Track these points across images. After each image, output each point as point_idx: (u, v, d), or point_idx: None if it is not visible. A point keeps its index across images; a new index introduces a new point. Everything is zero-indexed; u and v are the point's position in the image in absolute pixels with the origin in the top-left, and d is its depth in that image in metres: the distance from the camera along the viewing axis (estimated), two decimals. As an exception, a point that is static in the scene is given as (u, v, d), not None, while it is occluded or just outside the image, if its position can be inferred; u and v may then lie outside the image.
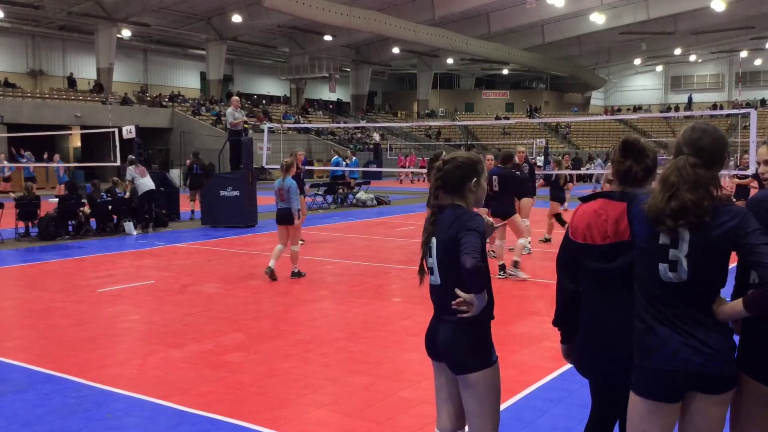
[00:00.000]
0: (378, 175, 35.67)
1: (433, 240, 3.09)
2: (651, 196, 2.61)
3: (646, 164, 2.88)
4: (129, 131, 18.01)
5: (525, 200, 11.80)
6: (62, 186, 20.75)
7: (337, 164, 24.19)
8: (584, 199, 3.05)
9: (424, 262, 3.17)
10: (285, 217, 9.75)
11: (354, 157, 28.92)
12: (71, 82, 41.94)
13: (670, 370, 2.55)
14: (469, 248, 2.85)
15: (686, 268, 2.54)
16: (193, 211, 18.40)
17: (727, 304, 2.58)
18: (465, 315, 2.94)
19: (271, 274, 9.67)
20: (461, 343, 3.02)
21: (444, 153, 3.36)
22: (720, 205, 2.53)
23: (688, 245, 2.54)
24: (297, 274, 9.93)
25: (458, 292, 2.95)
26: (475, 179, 3.08)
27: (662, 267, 2.58)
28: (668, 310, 2.59)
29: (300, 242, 10.69)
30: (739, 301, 2.53)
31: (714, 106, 54.80)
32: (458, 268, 2.90)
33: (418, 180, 38.56)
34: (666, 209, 2.53)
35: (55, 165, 25.24)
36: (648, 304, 2.64)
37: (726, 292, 2.63)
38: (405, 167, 39.17)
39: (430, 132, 54.29)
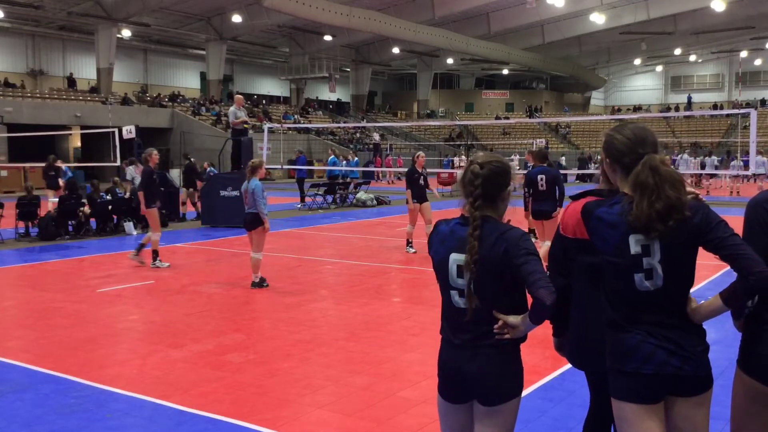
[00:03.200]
0: (373, 175, 35.56)
1: (463, 257, 2.71)
2: (633, 206, 2.53)
3: None
4: (129, 131, 18.04)
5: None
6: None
7: (334, 164, 24.21)
8: (574, 198, 3.07)
9: (451, 282, 2.78)
10: (249, 222, 9.22)
11: (355, 158, 28.95)
12: (71, 82, 41.92)
13: (647, 373, 2.53)
14: (542, 279, 2.56)
15: (661, 274, 2.52)
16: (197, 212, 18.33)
17: (702, 304, 2.57)
18: (505, 337, 2.69)
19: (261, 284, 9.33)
20: (502, 369, 2.72)
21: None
22: None
23: (660, 250, 2.52)
24: (258, 284, 9.23)
25: (499, 315, 2.69)
26: (508, 187, 2.82)
27: (638, 277, 2.55)
28: (642, 316, 2.57)
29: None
30: (716, 299, 2.51)
31: (714, 106, 54.79)
32: (500, 291, 2.68)
33: (399, 179, 38.63)
34: (652, 213, 2.48)
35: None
36: (619, 312, 2.62)
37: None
38: (388, 167, 38.74)
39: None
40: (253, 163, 9.50)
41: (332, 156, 25.12)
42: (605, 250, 2.63)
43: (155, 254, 10.94)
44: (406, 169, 13.07)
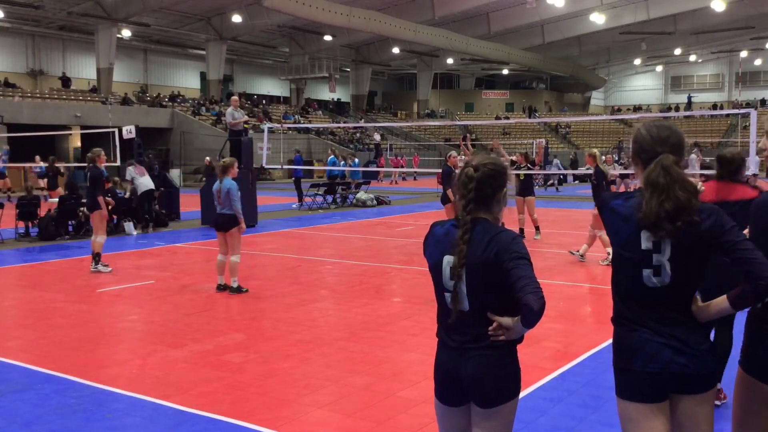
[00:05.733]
0: (377, 175, 35.64)
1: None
2: (643, 203, 2.55)
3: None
4: (129, 131, 18.02)
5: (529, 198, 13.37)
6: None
7: (333, 164, 24.25)
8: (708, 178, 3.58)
9: (444, 284, 2.75)
10: (223, 224, 8.92)
11: (356, 159, 29.07)
12: (65, 82, 41.60)
13: (653, 371, 2.53)
14: (531, 285, 2.51)
15: (669, 272, 2.53)
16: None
17: (709, 304, 2.57)
18: (500, 339, 2.66)
19: (225, 288, 9.05)
20: (498, 370, 2.69)
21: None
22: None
23: (670, 248, 2.52)
24: (237, 290, 8.88)
25: (493, 317, 2.66)
26: (504, 189, 2.78)
27: (646, 272, 2.55)
28: (648, 312, 2.57)
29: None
30: (723, 300, 2.51)
31: (714, 106, 54.78)
32: (493, 294, 2.65)
33: (403, 180, 38.82)
34: (661, 212, 2.49)
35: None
36: (627, 308, 2.62)
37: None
38: (396, 167, 38.85)
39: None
40: (224, 163, 9.21)
41: (332, 156, 25.12)
42: (617, 243, 2.64)
43: (96, 257, 10.49)
44: (418, 169, 13.43)
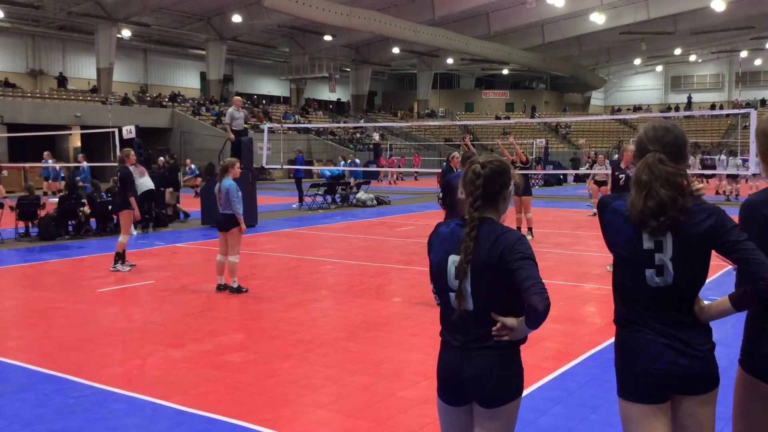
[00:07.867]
0: (376, 175, 35.64)
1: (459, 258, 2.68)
2: (630, 200, 2.57)
3: None
4: (129, 131, 18.02)
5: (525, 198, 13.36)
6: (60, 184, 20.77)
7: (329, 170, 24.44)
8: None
9: (449, 284, 2.74)
10: (223, 223, 8.96)
11: (356, 159, 29.16)
12: (60, 82, 41.48)
13: (656, 372, 2.53)
14: (537, 285, 2.50)
15: (672, 272, 2.53)
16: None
17: (711, 305, 2.57)
18: (503, 339, 2.65)
19: (224, 288, 9.07)
20: (501, 370, 2.68)
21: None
22: (694, 203, 2.54)
23: (672, 248, 2.52)
24: (237, 290, 8.90)
25: (497, 317, 2.65)
26: (509, 187, 2.79)
27: (649, 273, 2.55)
28: (651, 313, 2.57)
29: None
30: (725, 300, 2.51)
31: (714, 106, 54.79)
32: (498, 294, 2.65)
33: (401, 179, 38.85)
34: (645, 210, 2.51)
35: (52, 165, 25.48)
36: (628, 309, 2.62)
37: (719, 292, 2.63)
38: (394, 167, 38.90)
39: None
40: (224, 163, 9.28)
41: (323, 168, 25.27)
42: (618, 244, 2.64)
43: (118, 257, 10.62)
44: (419, 169, 13.32)
